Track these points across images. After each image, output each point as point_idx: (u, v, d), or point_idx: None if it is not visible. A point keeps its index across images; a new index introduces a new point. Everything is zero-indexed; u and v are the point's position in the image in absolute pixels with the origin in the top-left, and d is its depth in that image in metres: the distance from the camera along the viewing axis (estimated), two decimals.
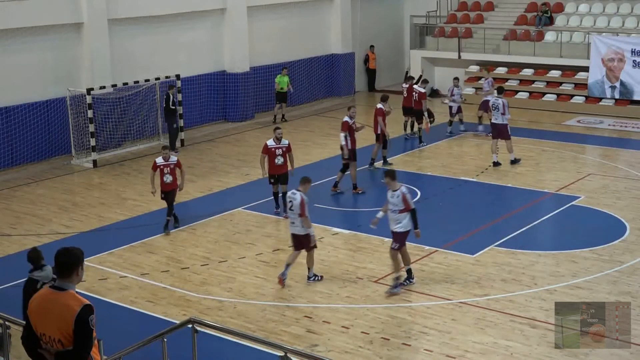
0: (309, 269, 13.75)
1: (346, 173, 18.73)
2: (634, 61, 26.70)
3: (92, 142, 22.02)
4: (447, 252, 15.00)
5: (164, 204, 16.65)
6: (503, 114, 20.57)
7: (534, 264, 14.34)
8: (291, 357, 7.22)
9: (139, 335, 9.31)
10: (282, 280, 13.55)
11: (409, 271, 13.51)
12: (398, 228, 13.11)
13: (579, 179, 19.53)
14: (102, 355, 7.07)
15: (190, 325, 8.20)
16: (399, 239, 13.15)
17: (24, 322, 6.64)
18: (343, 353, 11.24)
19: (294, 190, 13.63)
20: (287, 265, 13.63)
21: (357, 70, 31.80)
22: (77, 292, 6.19)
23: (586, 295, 12.85)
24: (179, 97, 24.05)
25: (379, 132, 20.36)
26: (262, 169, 17.26)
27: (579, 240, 15.41)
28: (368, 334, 11.83)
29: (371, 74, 32.74)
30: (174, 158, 16.56)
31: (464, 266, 14.32)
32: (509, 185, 19.30)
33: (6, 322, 8.73)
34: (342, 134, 18.52)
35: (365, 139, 22.24)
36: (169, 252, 15.50)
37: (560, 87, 28.63)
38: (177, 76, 24.02)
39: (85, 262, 6.34)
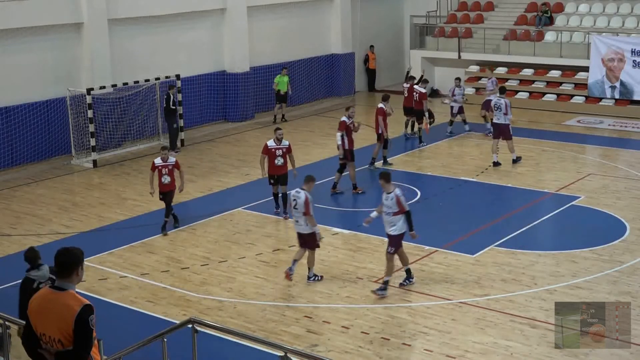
0: (309, 268, 13.76)
1: (343, 173, 18.73)
2: (634, 61, 26.69)
3: (92, 142, 22.02)
4: (447, 252, 15.00)
5: (163, 205, 16.65)
6: (505, 114, 20.55)
7: (534, 264, 14.34)
8: (291, 357, 7.21)
9: (139, 335, 9.31)
10: (289, 275, 13.59)
11: (408, 271, 13.51)
12: (392, 231, 13.08)
13: (579, 179, 19.53)
14: (102, 355, 7.07)
15: (190, 325, 8.19)
16: (394, 242, 13.13)
17: (23, 322, 6.64)
18: (343, 353, 11.24)
19: (298, 189, 13.63)
20: (294, 261, 13.69)
21: (357, 70, 31.79)
22: (77, 292, 6.20)
23: (586, 295, 12.85)
24: (179, 97, 24.04)
25: (380, 131, 20.37)
26: (261, 169, 17.25)
27: (579, 240, 15.41)
28: (368, 334, 11.83)
29: (371, 74, 32.71)
30: (172, 159, 16.55)
31: (464, 266, 14.32)
32: (509, 185, 19.30)
33: (6, 322, 8.72)
34: (339, 134, 18.51)
35: (365, 139, 22.26)
36: (169, 252, 15.50)
37: (560, 87, 28.62)
38: (177, 76, 24.01)
39: (85, 262, 6.34)
